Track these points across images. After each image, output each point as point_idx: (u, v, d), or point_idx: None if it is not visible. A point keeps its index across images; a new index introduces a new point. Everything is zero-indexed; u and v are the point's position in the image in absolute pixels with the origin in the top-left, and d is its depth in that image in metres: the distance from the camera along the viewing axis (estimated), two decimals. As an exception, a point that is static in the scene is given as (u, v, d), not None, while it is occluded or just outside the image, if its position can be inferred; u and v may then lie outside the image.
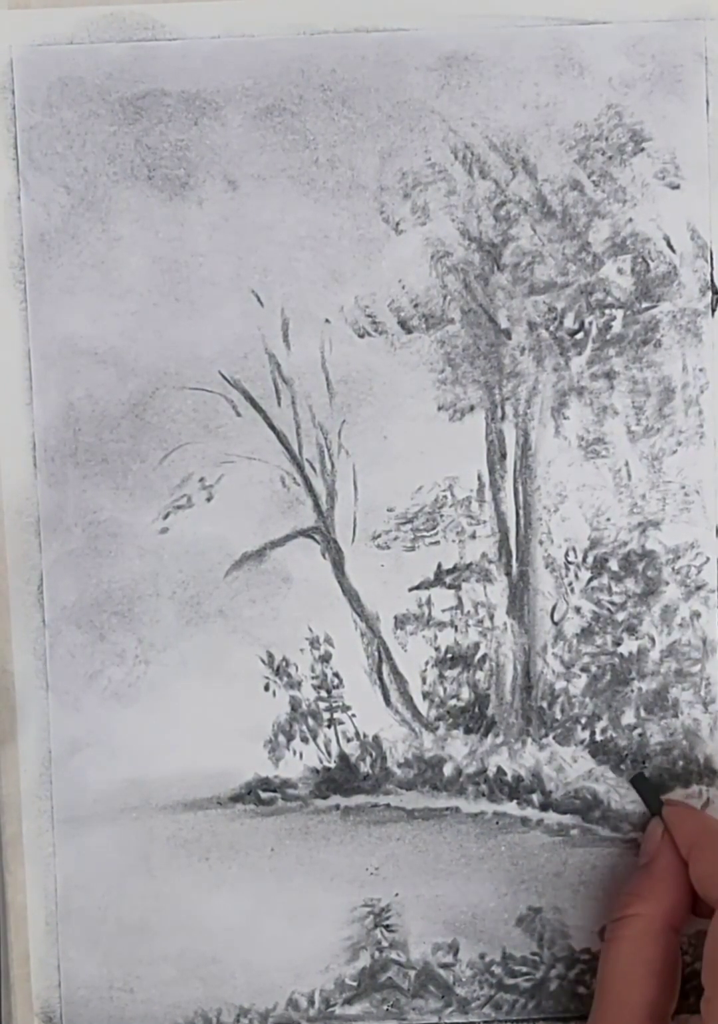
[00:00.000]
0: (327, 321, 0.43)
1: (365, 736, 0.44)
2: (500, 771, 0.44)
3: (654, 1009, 0.39)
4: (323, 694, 0.44)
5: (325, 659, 0.44)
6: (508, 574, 0.43)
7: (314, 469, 0.43)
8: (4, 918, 0.44)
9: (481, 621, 0.43)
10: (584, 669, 0.44)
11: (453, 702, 0.44)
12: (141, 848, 0.44)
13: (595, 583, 0.43)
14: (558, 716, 0.44)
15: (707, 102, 0.42)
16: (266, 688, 0.43)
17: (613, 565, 0.43)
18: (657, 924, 0.40)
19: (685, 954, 0.44)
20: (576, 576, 0.43)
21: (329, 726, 0.44)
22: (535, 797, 0.44)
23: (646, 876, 0.41)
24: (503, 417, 0.43)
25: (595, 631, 0.43)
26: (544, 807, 0.44)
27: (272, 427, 0.43)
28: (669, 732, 0.44)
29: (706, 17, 0.42)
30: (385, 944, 0.44)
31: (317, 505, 0.43)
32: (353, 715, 0.44)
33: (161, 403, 0.43)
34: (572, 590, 0.43)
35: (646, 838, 0.42)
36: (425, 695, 0.44)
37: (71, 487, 0.43)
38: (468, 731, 0.44)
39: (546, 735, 0.44)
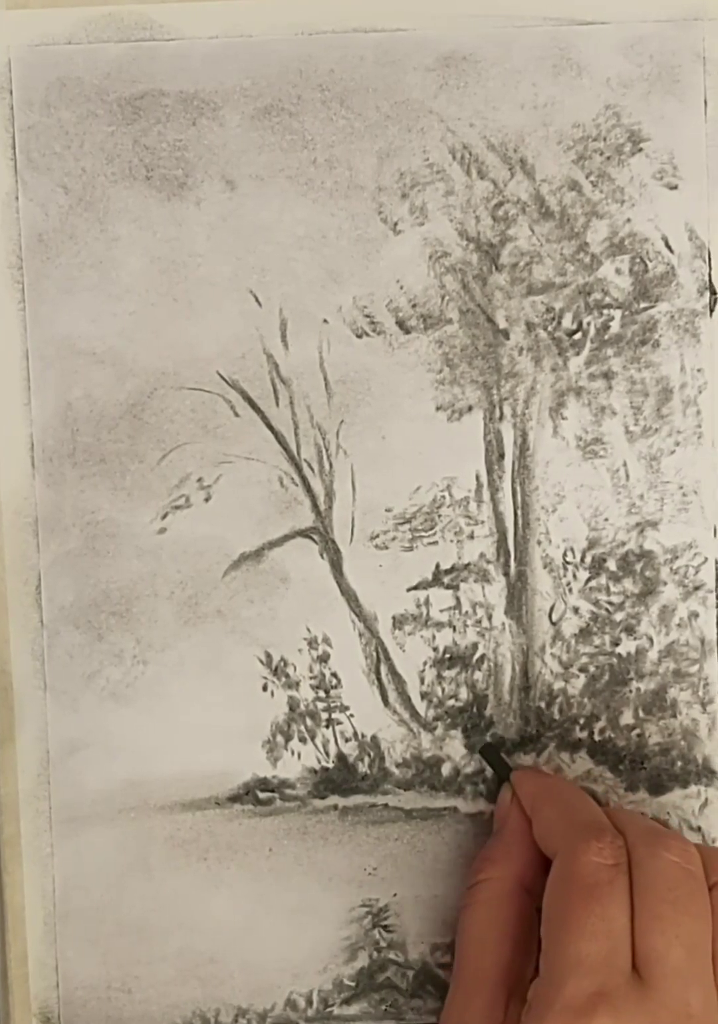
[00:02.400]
0: (325, 321, 0.43)
1: (363, 736, 0.44)
2: (498, 771, 0.44)
3: (509, 972, 0.39)
4: (321, 694, 0.44)
5: (323, 659, 0.44)
6: (506, 574, 0.43)
7: (312, 469, 0.43)
8: (2, 918, 0.44)
9: (479, 621, 0.43)
10: (582, 669, 0.44)
11: (451, 702, 0.44)
12: (139, 848, 0.44)
13: (593, 583, 0.43)
14: (556, 716, 0.44)
15: (705, 102, 0.42)
16: (264, 688, 0.44)
17: (611, 565, 0.43)
18: (508, 886, 0.40)
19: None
20: (574, 576, 0.43)
21: (327, 726, 0.44)
22: (533, 797, 0.44)
23: (496, 841, 0.41)
24: (501, 417, 0.43)
25: (593, 631, 0.44)
26: (542, 807, 0.44)
27: (270, 427, 0.43)
28: (667, 732, 0.44)
29: (704, 17, 0.42)
30: (383, 944, 0.44)
31: (315, 505, 0.43)
32: (351, 715, 0.44)
33: (159, 403, 0.43)
34: (570, 590, 0.43)
35: (497, 805, 0.42)
36: (423, 695, 0.44)
37: (69, 487, 0.43)
38: (466, 731, 0.44)
39: (544, 735, 0.44)
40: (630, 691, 0.44)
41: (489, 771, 0.43)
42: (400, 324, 0.43)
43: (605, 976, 0.35)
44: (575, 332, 0.43)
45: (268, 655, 0.43)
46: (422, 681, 0.44)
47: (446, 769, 0.44)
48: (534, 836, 0.40)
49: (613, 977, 0.35)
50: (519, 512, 0.43)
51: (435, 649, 0.44)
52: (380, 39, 0.42)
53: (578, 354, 0.43)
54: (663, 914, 0.36)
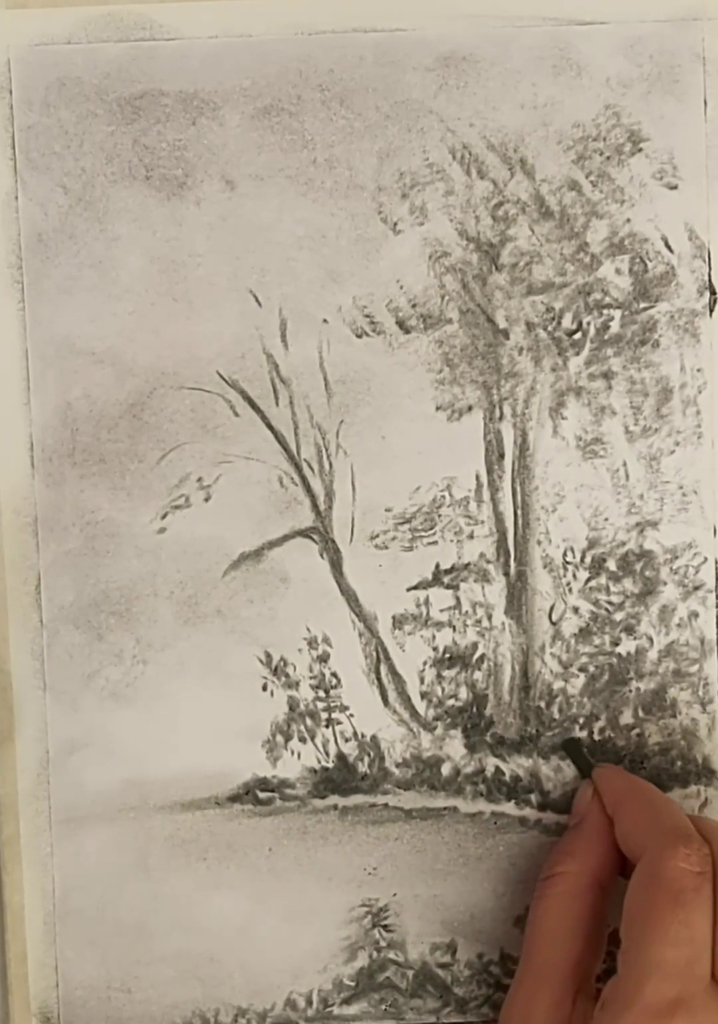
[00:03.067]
0: (325, 321, 0.43)
1: (363, 736, 0.44)
2: (498, 771, 0.44)
3: (578, 967, 0.39)
4: (321, 694, 0.44)
5: (323, 659, 0.44)
6: (506, 574, 0.43)
7: (312, 469, 0.43)
8: (2, 918, 0.44)
9: (479, 621, 0.43)
10: (582, 669, 0.44)
11: (451, 702, 0.44)
12: (139, 848, 0.44)
13: (593, 583, 0.43)
14: (556, 716, 0.44)
15: (705, 102, 0.42)
16: (264, 688, 0.43)
17: (611, 565, 0.43)
18: (583, 881, 0.40)
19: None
20: (574, 576, 0.43)
21: (327, 726, 0.44)
22: (533, 797, 0.44)
23: (575, 835, 0.41)
24: (501, 417, 0.43)
25: (593, 631, 0.44)
26: (542, 807, 0.44)
27: (270, 427, 0.43)
28: (667, 732, 0.44)
29: (704, 17, 0.42)
30: (383, 944, 0.44)
31: (315, 505, 0.43)
32: (351, 715, 0.44)
33: (159, 403, 0.43)
34: (570, 590, 0.43)
35: (576, 800, 0.43)
36: (423, 695, 0.44)
37: (69, 487, 0.43)
38: (466, 731, 0.44)
39: (544, 735, 0.44)
40: (630, 691, 0.44)
41: (569, 769, 0.43)
42: (400, 324, 0.43)
43: (685, 982, 0.35)
44: (575, 332, 0.43)
45: (268, 655, 0.43)
46: (422, 681, 0.44)
47: (446, 769, 0.44)
48: (616, 835, 0.40)
49: (692, 984, 0.35)
50: (519, 512, 0.43)
51: (435, 649, 0.44)
52: (380, 39, 0.42)
53: (578, 354, 0.43)
54: None
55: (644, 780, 0.43)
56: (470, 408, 0.43)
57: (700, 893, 0.36)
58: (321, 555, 0.43)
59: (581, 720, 0.44)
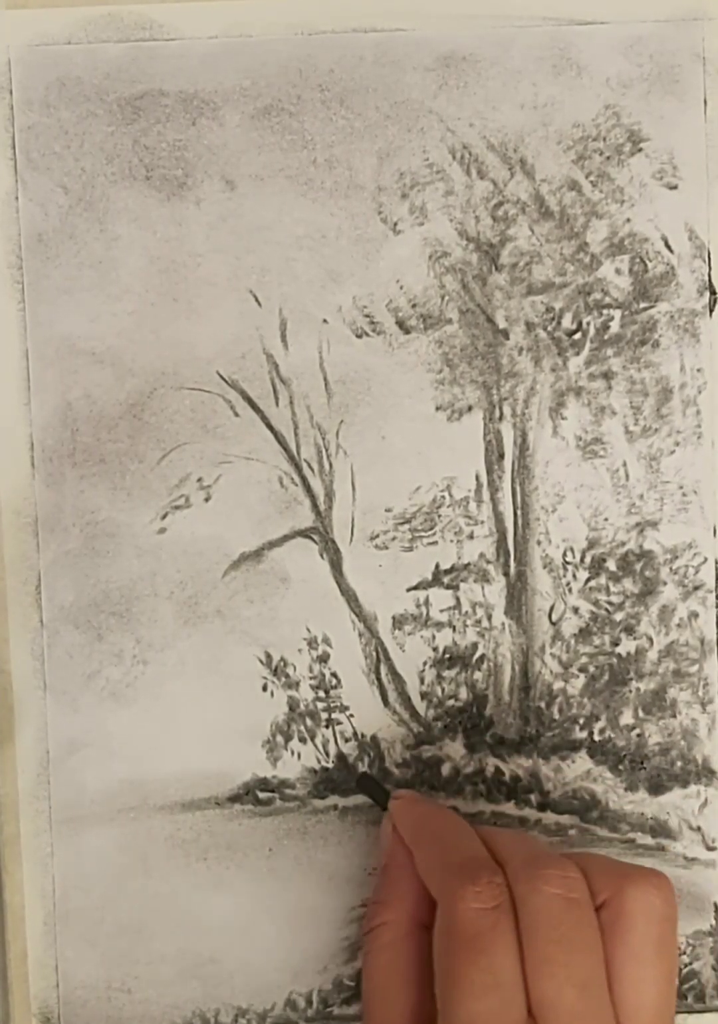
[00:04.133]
0: (325, 321, 0.43)
1: (363, 736, 0.44)
2: (498, 771, 0.44)
3: (417, 1016, 0.37)
4: (321, 694, 0.44)
5: (323, 659, 0.44)
6: (506, 574, 0.43)
7: (312, 469, 0.43)
8: (2, 918, 0.44)
9: (479, 621, 0.43)
10: (582, 669, 0.44)
11: (451, 702, 0.44)
12: (139, 848, 0.44)
13: (593, 583, 0.43)
14: (556, 716, 0.44)
15: (705, 102, 0.42)
16: (264, 688, 0.43)
17: (611, 565, 0.43)
18: (403, 928, 0.38)
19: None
20: (574, 576, 0.43)
21: (327, 726, 0.44)
22: (533, 797, 0.44)
23: (384, 880, 0.39)
24: (501, 417, 0.43)
25: (593, 631, 0.44)
26: (542, 807, 0.44)
27: (270, 427, 0.43)
28: (667, 732, 0.44)
29: (704, 17, 0.42)
30: (383, 944, 0.44)
31: (315, 505, 0.43)
32: (351, 715, 0.44)
33: (159, 403, 0.43)
34: (570, 590, 0.43)
35: (380, 839, 0.41)
36: (423, 695, 0.44)
37: (69, 487, 0.43)
38: (466, 731, 0.44)
39: (544, 735, 0.44)
40: (630, 691, 0.44)
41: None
42: (400, 324, 0.43)
43: None
44: (575, 332, 0.43)
45: (268, 655, 0.43)
46: (422, 681, 0.44)
47: (446, 769, 0.44)
48: (418, 872, 0.38)
49: None
50: (519, 512, 0.43)
51: (435, 649, 0.43)
52: (380, 39, 0.42)
53: (578, 354, 0.43)
54: (550, 955, 0.34)
55: (435, 806, 0.41)
56: (470, 408, 0.43)
57: (497, 930, 0.34)
58: (321, 555, 0.43)
59: (581, 720, 0.44)
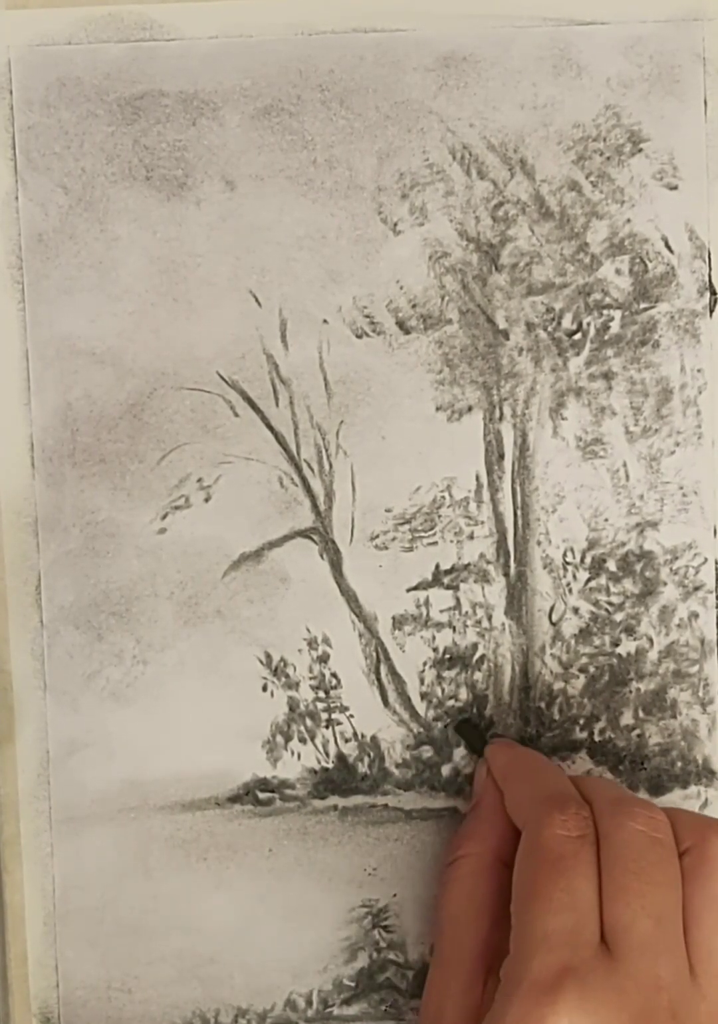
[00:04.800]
0: (325, 321, 0.43)
1: (363, 736, 0.44)
2: (498, 772, 0.44)
3: (486, 949, 0.38)
4: (321, 695, 0.44)
5: (323, 660, 0.44)
6: (506, 575, 0.43)
7: (312, 470, 0.43)
8: (2, 918, 0.44)
9: (479, 622, 0.43)
10: (582, 670, 0.44)
11: (451, 703, 0.44)
12: (139, 848, 0.44)
13: (593, 584, 0.43)
14: (556, 717, 0.44)
15: (705, 102, 0.42)
16: (264, 688, 0.44)
17: (611, 566, 0.43)
18: (484, 862, 0.39)
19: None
20: (574, 577, 0.43)
21: (327, 726, 0.44)
22: (533, 798, 0.44)
23: (472, 817, 0.41)
24: (501, 418, 0.43)
25: (593, 632, 0.44)
26: (542, 808, 0.44)
27: (270, 428, 0.43)
28: (667, 733, 0.44)
29: (704, 17, 0.42)
30: (383, 945, 0.44)
31: (315, 506, 0.43)
32: (351, 715, 0.44)
33: (159, 403, 0.43)
34: (570, 591, 0.43)
35: (474, 781, 0.42)
36: (423, 696, 0.44)
37: (69, 487, 0.43)
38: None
39: (544, 736, 0.44)
40: (630, 691, 0.44)
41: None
42: (400, 324, 0.43)
43: (572, 950, 0.34)
44: (575, 332, 0.43)
45: (268, 655, 0.43)
46: (422, 681, 0.44)
47: (446, 769, 0.44)
48: (507, 808, 0.40)
49: (580, 951, 0.34)
50: (519, 512, 0.43)
51: (435, 649, 0.44)
52: (380, 39, 0.42)
53: (578, 354, 0.43)
54: (628, 885, 0.35)
55: (529, 750, 0.42)
56: (470, 408, 0.43)
57: (579, 857, 0.36)
58: (321, 555, 0.43)
59: (581, 721, 0.44)
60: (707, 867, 0.36)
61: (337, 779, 0.44)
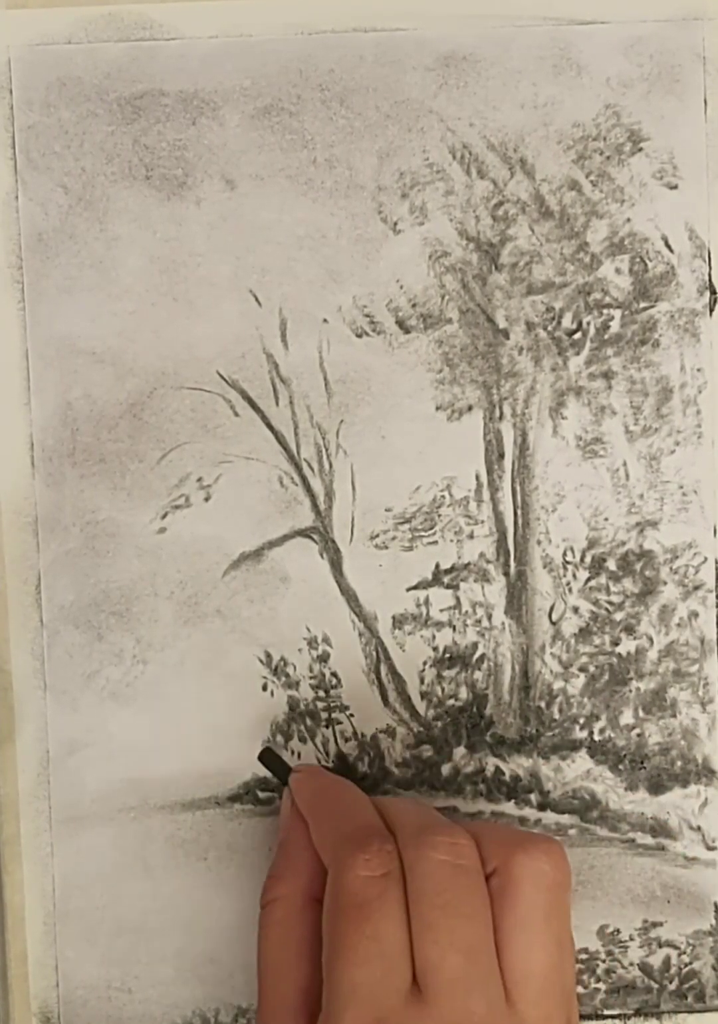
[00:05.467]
0: (325, 321, 0.43)
1: (363, 736, 0.44)
2: (498, 771, 0.44)
3: (307, 993, 0.36)
4: (321, 694, 0.44)
5: (323, 659, 0.44)
6: (506, 574, 0.43)
7: (312, 469, 0.43)
8: (2, 918, 0.44)
9: (479, 621, 0.43)
10: (582, 669, 0.44)
11: (451, 702, 0.44)
12: (139, 848, 0.44)
13: (593, 583, 0.43)
14: (556, 716, 0.44)
15: (705, 102, 0.42)
16: (264, 688, 0.43)
17: (611, 565, 0.43)
18: (297, 903, 0.37)
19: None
20: (574, 576, 0.43)
21: (327, 726, 0.44)
22: (533, 797, 0.44)
23: (281, 855, 0.39)
24: (501, 417, 0.43)
25: (593, 631, 0.44)
26: (542, 807, 0.44)
27: (270, 427, 0.43)
28: (667, 732, 0.44)
29: (704, 17, 0.42)
30: (383, 944, 0.44)
31: (315, 505, 0.43)
32: (351, 715, 0.44)
33: (159, 403, 0.43)
34: (570, 590, 0.43)
35: (280, 815, 0.41)
36: (423, 695, 0.44)
37: (69, 487, 0.43)
38: (467, 731, 0.44)
39: (544, 735, 0.44)
40: (630, 691, 0.44)
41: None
42: (400, 324, 0.43)
43: (381, 1001, 0.33)
44: (575, 332, 0.43)
45: (268, 655, 0.43)
46: (422, 681, 0.44)
47: (446, 769, 0.44)
48: (315, 844, 0.38)
49: (389, 1000, 0.33)
50: (519, 512, 0.43)
51: (435, 649, 0.44)
52: (380, 39, 0.42)
53: (578, 354, 0.43)
54: (435, 922, 0.34)
55: (335, 777, 0.41)
56: (470, 408, 0.43)
57: (384, 898, 0.34)
58: (321, 555, 0.43)
59: (581, 720, 0.44)
60: (512, 888, 0.35)
61: (337, 778, 0.44)
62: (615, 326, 0.43)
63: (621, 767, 0.44)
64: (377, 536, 0.43)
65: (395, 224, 0.42)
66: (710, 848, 0.44)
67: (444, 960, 0.34)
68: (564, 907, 0.36)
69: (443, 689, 0.44)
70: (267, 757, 0.42)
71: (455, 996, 0.34)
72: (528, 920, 0.35)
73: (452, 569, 0.43)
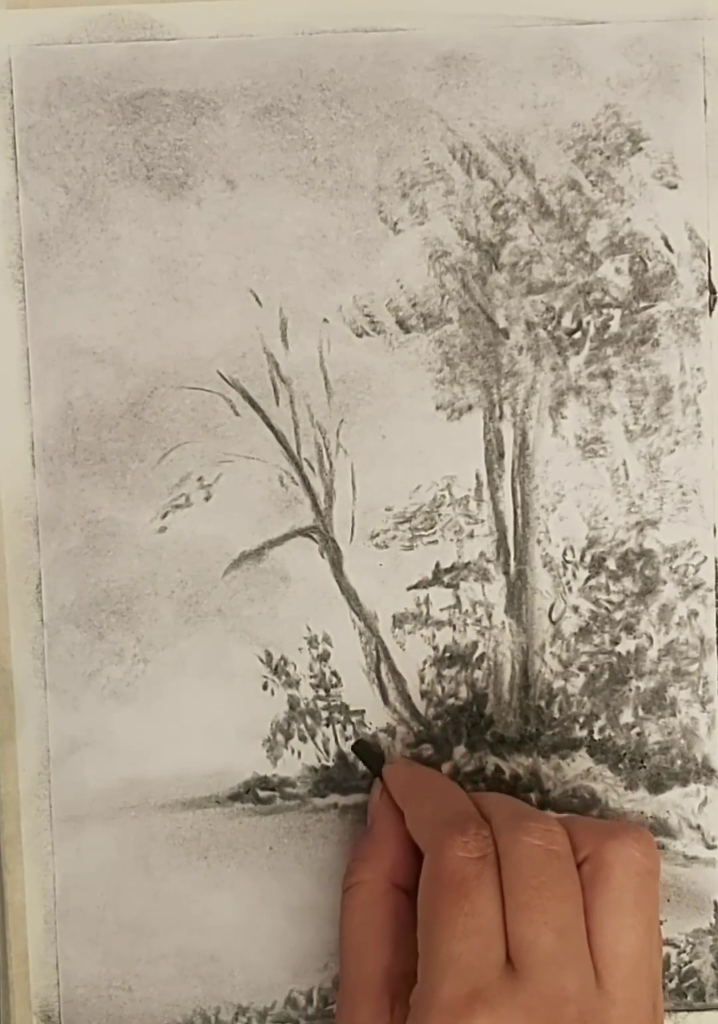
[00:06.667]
0: (325, 321, 0.43)
1: (363, 735, 0.44)
2: (498, 770, 0.44)
3: (391, 974, 0.38)
4: (321, 693, 0.44)
5: (323, 658, 0.44)
6: (506, 573, 0.43)
7: (312, 468, 0.43)
8: (3, 917, 0.44)
9: (479, 620, 0.43)
10: (582, 668, 0.44)
11: (451, 701, 0.44)
12: (140, 847, 0.44)
13: (593, 582, 0.43)
14: (556, 715, 0.44)
15: (705, 102, 0.42)
16: (264, 687, 0.44)
17: (611, 564, 0.43)
18: (381, 887, 0.39)
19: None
20: (574, 575, 0.43)
21: (327, 725, 0.44)
22: (533, 796, 0.44)
23: (367, 840, 0.41)
24: (501, 416, 0.43)
25: (593, 630, 0.44)
26: (542, 806, 0.44)
27: (270, 426, 0.43)
28: (667, 731, 0.44)
29: (704, 17, 0.42)
30: (383, 942, 0.44)
31: (315, 504, 0.43)
32: (352, 714, 0.44)
33: (159, 402, 0.43)
34: (570, 589, 0.43)
35: (370, 802, 0.42)
36: (423, 694, 0.44)
37: (69, 486, 0.43)
38: (467, 730, 0.44)
39: (544, 734, 0.44)
40: (630, 690, 0.44)
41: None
42: (400, 323, 0.43)
43: (478, 974, 0.35)
44: (575, 331, 0.43)
45: (268, 654, 0.43)
46: (422, 680, 0.44)
47: (446, 767, 0.44)
48: (408, 829, 0.40)
49: (486, 974, 0.35)
50: (519, 511, 0.43)
51: (435, 648, 0.44)
52: (380, 39, 0.42)
53: (578, 353, 0.43)
54: (529, 901, 0.36)
55: (428, 769, 0.43)
56: (470, 407, 0.43)
57: (482, 878, 0.36)
58: (321, 554, 0.43)
59: (581, 719, 0.44)
60: (603, 873, 0.37)
61: (337, 777, 0.44)
62: (615, 326, 0.43)
63: (621, 766, 0.44)
64: (377, 535, 0.43)
65: (395, 224, 0.43)
66: (710, 847, 0.44)
67: (538, 938, 0.35)
68: (653, 893, 0.38)
69: (443, 688, 0.44)
70: (360, 748, 0.43)
71: (548, 972, 0.35)
72: (619, 904, 0.37)
73: (452, 568, 0.43)
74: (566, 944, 0.35)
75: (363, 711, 0.44)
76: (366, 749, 0.43)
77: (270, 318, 0.43)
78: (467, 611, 0.43)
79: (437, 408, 0.43)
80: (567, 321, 0.43)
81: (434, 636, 0.44)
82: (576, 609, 0.44)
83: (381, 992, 0.38)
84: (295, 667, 0.43)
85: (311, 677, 0.44)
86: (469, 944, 0.35)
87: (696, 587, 0.43)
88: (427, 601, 0.43)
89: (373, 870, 0.40)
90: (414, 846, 0.39)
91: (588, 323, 0.43)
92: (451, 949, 0.35)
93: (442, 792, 0.40)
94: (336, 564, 0.43)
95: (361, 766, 0.43)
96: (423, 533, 0.43)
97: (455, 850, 0.36)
